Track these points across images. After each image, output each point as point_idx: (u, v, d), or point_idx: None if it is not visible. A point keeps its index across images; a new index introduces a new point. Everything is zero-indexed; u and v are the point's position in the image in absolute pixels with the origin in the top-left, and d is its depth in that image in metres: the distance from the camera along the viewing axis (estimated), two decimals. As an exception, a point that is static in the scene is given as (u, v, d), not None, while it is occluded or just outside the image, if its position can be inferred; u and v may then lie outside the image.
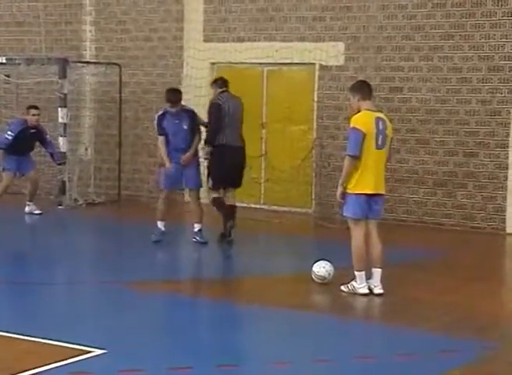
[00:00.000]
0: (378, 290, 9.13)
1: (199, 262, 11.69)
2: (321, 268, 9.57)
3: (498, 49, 13.43)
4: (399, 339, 7.70)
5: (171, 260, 11.49)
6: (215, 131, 11.74)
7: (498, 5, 13.40)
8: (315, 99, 14.70)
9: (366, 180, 9.00)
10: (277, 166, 14.82)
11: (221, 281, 10.08)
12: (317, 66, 14.65)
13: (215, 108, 11.81)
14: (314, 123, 14.77)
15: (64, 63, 15.16)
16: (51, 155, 14.53)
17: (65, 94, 15.14)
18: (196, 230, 11.96)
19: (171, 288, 9.53)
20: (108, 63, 16.13)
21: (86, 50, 16.65)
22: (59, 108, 15.12)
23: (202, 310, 8.86)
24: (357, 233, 9.19)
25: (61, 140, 15.16)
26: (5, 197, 14.18)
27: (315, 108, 14.73)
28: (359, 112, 9.13)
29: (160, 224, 11.93)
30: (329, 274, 9.54)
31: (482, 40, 13.50)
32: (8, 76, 16.36)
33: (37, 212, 14.31)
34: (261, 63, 15.04)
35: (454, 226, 13.59)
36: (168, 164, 11.72)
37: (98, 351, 6.95)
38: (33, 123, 14.04)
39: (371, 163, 8.99)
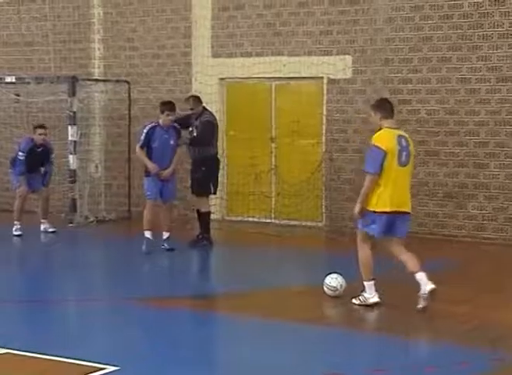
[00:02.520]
0: (430, 285, 8.91)
1: (210, 277, 11.69)
2: (333, 279, 9.57)
3: (506, 60, 13.43)
4: (411, 351, 7.67)
5: (183, 276, 11.48)
6: (211, 146, 12.79)
7: (505, 16, 13.40)
8: (324, 113, 14.72)
9: (389, 198, 8.92)
10: (287, 180, 14.82)
11: (232, 295, 10.06)
12: (325, 80, 14.67)
13: (212, 126, 12.85)
14: (323, 137, 14.78)
15: (73, 81, 15.23)
16: (45, 174, 14.39)
17: (75, 112, 15.20)
18: (165, 237, 12.46)
19: (184, 304, 9.52)
20: (117, 80, 16.20)
21: (94, 68, 16.72)
22: (69, 126, 15.18)
23: (215, 325, 8.86)
24: (365, 245, 9.18)
25: (71, 158, 15.22)
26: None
27: (324, 121, 14.75)
28: (380, 129, 9.12)
29: (148, 234, 12.34)
30: (341, 286, 9.52)
31: (490, 51, 13.50)
32: (18, 95, 16.44)
33: (51, 229, 14.34)
34: (269, 78, 15.07)
35: (465, 238, 13.56)
36: (154, 167, 12.30)
37: (111, 368, 6.94)
38: (39, 142, 14.08)
39: (394, 181, 8.92)
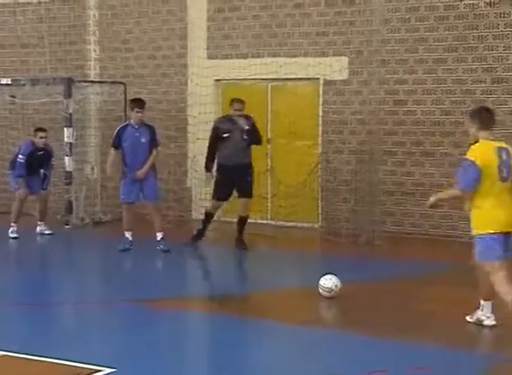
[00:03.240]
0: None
1: (207, 278, 11.68)
2: (328, 280, 9.56)
3: (501, 61, 13.44)
4: (410, 353, 7.67)
5: (179, 277, 11.48)
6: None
7: (500, 17, 13.41)
8: (320, 114, 14.72)
9: (497, 217, 7.92)
10: (283, 181, 14.82)
11: (229, 297, 10.05)
12: (321, 81, 14.67)
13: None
14: (320, 138, 14.78)
15: (69, 83, 15.22)
16: (44, 178, 14.35)
17: (71, 114, 15.19)
18: (159, 238, 12.48)
19: (180, 305, 9.50)
20: (113, 82, 16.19)
21: (90, 69, 16.71)
22: (65, 128, 15.16)
23: (212, 327, 8.85)
24: (498, 276, 7.92)
25: (67, 159, 15.20)
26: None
27: (320, 122, 14.75)
28: (476, 142, 8.16)
29: (127, 234, 12.56)
30: (336, 286, 9.51)
31: (486, 52, 13.51)
32: (13, 96, 16.43)
33: (47, 232, 14.31)
34: (265, 79, 15.06)
35: (461, 238, 13.55)
36: (109, 172, 12.94)
37: (108, 370, 6.94)
38: (40, 146, 14.05)
39: (498, 198, 7.94)
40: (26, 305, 9.49)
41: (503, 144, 8.25)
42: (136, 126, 12.57)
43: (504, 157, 8.07)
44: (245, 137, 12.68)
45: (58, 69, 16.62)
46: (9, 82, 15.90)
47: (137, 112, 12.56)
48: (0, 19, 17.37)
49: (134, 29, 16.26)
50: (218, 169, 12.93)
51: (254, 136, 12.87)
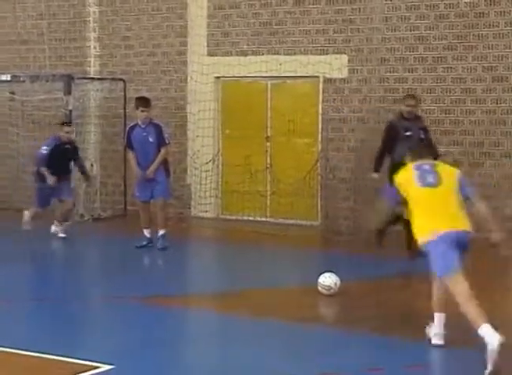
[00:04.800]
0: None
1: (204, 276, 11.67)
2: (327, 278, 9.56)
3: (501, 59, 13.44)
4: (406, 350, 7.67)
5: (178, 274, 11.47)
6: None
7: (501, 15, 13.42)
8: (320, 112, 14.72)
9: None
10: (282, 179, 14.83)
11: (227, 294, 10.05)
12: (321, 79, 14.67)
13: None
14: (319, 136, 14.78)
15: (69, 80, 15.22)
16: (82, 172, 14.09)
17: (70, 111, 15.19)
18: (159, 235, 12.37)
19: (179, 303, 9.51)
20: (113, 79, 16.18)
21: (90, 66, 16.70)
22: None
23: (210, 324, 8.85)
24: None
25: (66, 156, 15.18)
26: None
27: (320, 120, 14.75)
28: None
29: (146, 232, 12.47)
30: (335, 284, 9.51)
31: (486, 50, 13.51)
32: (13, 93, 16.42)
33: (61, 235, 13.69)
34: (265, 77, 15.06)
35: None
36: (138, 174, 12.47)
37: (106, 367, 6.94)
38: (65, 140, 13.54)
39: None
40: (23, 300, 9.49)
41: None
42: (143, 126, 12.44)
43: (425, 167, 7.75)
44: (422, 136, 11.80)
45: (57, 66, 16.61)
46: (9, 78, 15.89)
47: (142, 111, 12.44)
48: (0, 14, 17.35)
49: (134, 26, 16.25)
50: (393, 169, 11.30)
51: (429, 134, 12.07)
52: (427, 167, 7.77)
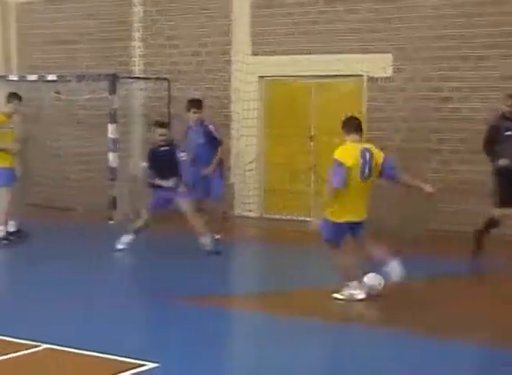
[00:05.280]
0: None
1: (248, 276, 11.68)
2: (372, 278, 9.51)
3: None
4: (454, 352, 7.60)
5: (223, 274, 11.49)
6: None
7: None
8: (364, 111, 14.66)
9: (352, 210, 9.26)
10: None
11: (270, 294, 10.04)
12: (365, 78, 14.61)
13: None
14: (364, 135, 14.67)
15: (114, 79, 15.34)
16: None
17: (115, 110, 15.31)
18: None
19: (224, 302, 9.52)
20: (157, 78, 16.27)
21: (135, 66, 16.81)
22: (109, 124, 15.28)
23: (255, 324, 8.83)
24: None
25: (111, 155, 15.32)
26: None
27: (364, 120, 14.66)
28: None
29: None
30: (380, 284, 9.48)
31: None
32: (58, 93, 16.58)
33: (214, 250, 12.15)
34: (309, 76, 15.03)
35: (507, 237, 13.41)
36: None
37: (151, 365, 6.97)
38: (160, 143, 12.16)
39: (356, 194, 9.22)
40: (70, 298, 9.57)
41: (367, 145, 9.44)
42: (195, 127, 12.59)
43: (367, 158, 9.25)
44: None
45: (103, 66, 16.74)
46: (55, 78, 16.06)
47: (194, 112, 12.59)
48: (48, 15, 17.53)
49: (179, 25, 16.31)
50: (499, 172, 11.60)
51: None
52: None
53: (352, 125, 9.67)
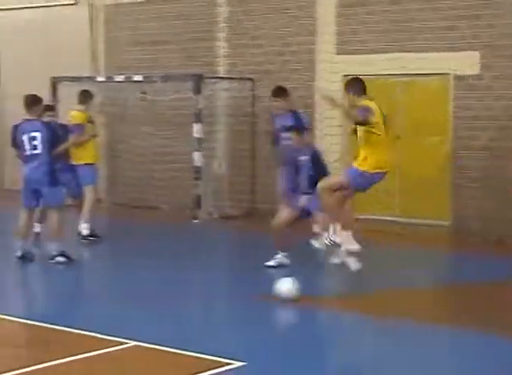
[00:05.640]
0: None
1: (334, 277, 11.62)
2: (284, 285, 9.21)
3: None
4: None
5: (310, 274, 11.42)
6: None
7: None
8: (450, 110, 14.45)
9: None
10: (412, 178, 14.63)
11: (357, 296, 9.97)
12: (451, 76, 14.40)
13: None
14: (450, 134, 14.52)
15: (198, 79, 15.47)
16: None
17: (200, 110, 15.43)
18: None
19: (314, 302, 9.46)
20: (242, 78, 16.34)
21: (219, 66, 16.91)
22: (194, 124, 15.42)
23: (345, 325, 8.78)
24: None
25: (196, 154, 15.45)
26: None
27: (451, 118, 14.48)
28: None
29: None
30: (290, 291, 9.16)
31: None
32: (144, 93, 16.78)
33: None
34: (394, 74, 14.89)
35: None
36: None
37: (238, 364, 6.99)
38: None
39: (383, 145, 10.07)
40: (157, 297, 9.67)
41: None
42: (280, 114, 12.49)
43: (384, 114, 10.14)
44: None
45: (188, 66, 16.89)
46: (141, 79, 16.27)
47: (274, 101, 12.60)
48: (133, 17, 17.77)
49: (263, 25, 16.33)
50: None
51: None
52: None
53: (362, 87, 10.26)
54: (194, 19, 17.07)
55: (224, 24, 16.79)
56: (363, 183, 10.14)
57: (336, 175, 11.25)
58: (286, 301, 9.11)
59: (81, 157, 13.05)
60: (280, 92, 12.75)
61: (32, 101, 11.47)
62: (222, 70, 16.87)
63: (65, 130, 12.96)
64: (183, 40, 17.11)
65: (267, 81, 16.22)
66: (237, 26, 16.66)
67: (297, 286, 9.22)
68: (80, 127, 13.00)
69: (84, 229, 13.03)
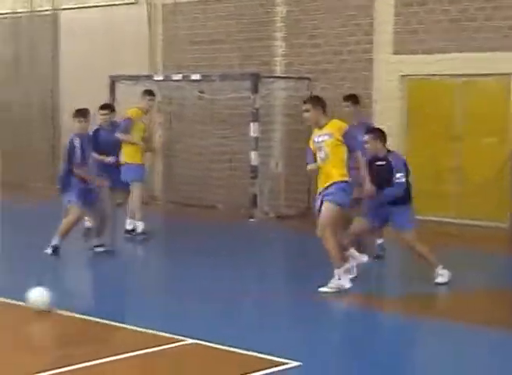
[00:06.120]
0: None
1: (390, 278, 11.56)
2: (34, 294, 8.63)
3: None
4: None
5: (360, 274, 11.39)
6: None
7: None
8: (511, 110, 14.27)
9: None
10: (471, 179, 14.48)
11: (414, 297, 9.89)
12: (512, 76, 14.24)
13: None
14: (510, 134, 14.33)
15: (256, 78, 15.49)
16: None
17: (257, 109, 15.46)
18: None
19: (367, 303, 9.44)
20: (299, 78, 16.33)
21: (277, 65, 16.91)
22: (251, 123, 15.45)
23: (403, 326, 8.70)
24: None
25: (252, 154, 15.49)
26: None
27: (511, 118, 14.29)
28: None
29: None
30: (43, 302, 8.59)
31: None
32: (202, 92, 16.86)
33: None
34: (452, 75, 14.75)
35: None
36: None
37: (294, 363, 6.99)
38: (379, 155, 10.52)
39: None
40: (213, 294, 9.71)
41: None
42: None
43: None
44: None
45: (245, 65, 16.93)
46: (199, 78, 16.36)
47: (345, 106, 11.91)
48: (191, 16, 17.86)
49: (321, 24, 16.30)
50: None
51: None
52: None
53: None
54: (252, 18, 17.10)
55: (281, 23, 16.80)
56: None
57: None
58: (37, 310, 8.48)
59: (130, 156, 13.12)
60: (352, 98, 12.35)
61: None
62: (278, 70, 16.87)
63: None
64: (241, 39, 17.15)
65: (324, 80, 16.21)
66: (295, 26, 16.64)
67: (47, 296, 8.53)
68: (126, 122, 13.07)
69: (134, 226, 13.12)
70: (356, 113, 12.01)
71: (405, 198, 10.42)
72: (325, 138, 9.80)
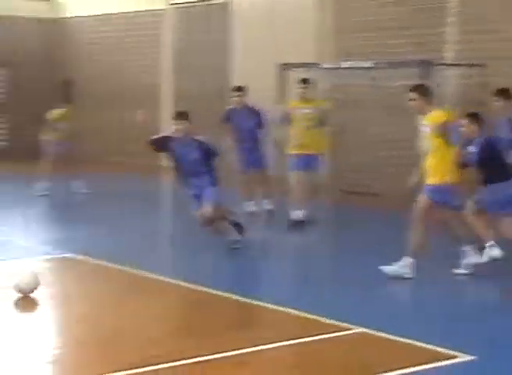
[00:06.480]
0: None
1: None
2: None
3: None
4: None
5: None
6: None
7: None
8: None
9: None
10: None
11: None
12: None
13: None
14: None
15: (427, 66, 15.24)
16: None
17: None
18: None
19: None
20: (472, 65, 15.95)
21: (447, 52, 16.56)
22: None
23: None
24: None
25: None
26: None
27: None
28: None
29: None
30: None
31: None
32: (374, 79, 16.76)
33: None
34: None
35: None
36: None
37: (466, 358, 6.82)
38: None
39: None
40: (381, 284, 9.61)
41: None
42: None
43: None
44: None
45: (415, 52, 16.66)
46: (371, 65, 16.28)
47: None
48: (363, 2, 17.77)
49: (496, 10, 15.78)
50: None
51: None
52: None
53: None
54: (423, 4, 16.83)
55: (454, 10, 16.42)
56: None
57: None
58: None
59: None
60: (504, 93, 11.94)
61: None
62: (449, 56, 16.52)
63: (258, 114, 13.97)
64: (411, 26, 16.90)
65: (496, 68, 15.73)
66: (467, 12, 16.23)
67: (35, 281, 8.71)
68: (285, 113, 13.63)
69: (296, 215, 13.25)
70: (507, 109, 11.70)
71: None
72: (426, 130, 9.82)
